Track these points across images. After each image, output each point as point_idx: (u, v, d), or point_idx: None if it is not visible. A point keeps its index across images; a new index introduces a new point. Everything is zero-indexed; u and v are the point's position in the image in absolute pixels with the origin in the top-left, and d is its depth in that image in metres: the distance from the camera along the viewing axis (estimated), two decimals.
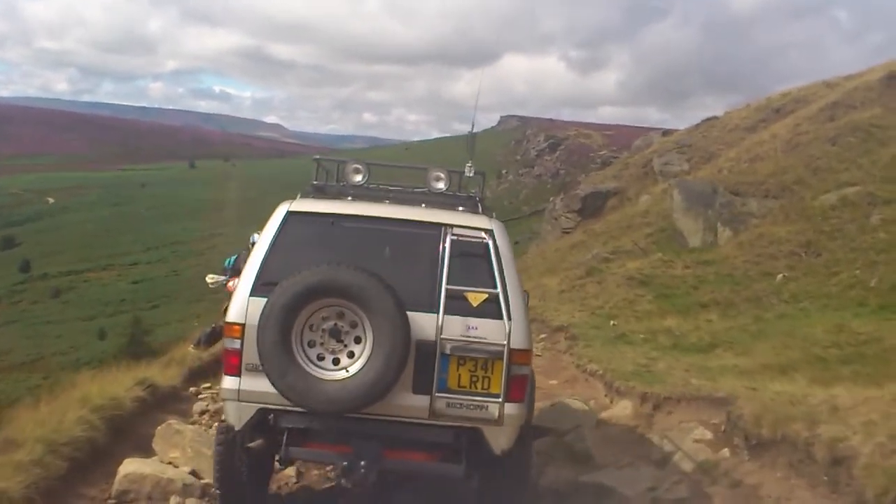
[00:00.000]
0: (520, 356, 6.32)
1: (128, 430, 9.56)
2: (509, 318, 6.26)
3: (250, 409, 6.37)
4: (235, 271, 13.64)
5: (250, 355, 6.22)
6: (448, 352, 6.25)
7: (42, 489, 7.09)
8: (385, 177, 8.77)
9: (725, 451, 8.66)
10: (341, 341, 6.19)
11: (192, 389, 12.61)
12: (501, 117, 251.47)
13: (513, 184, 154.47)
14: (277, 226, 6.65)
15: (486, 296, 6.35)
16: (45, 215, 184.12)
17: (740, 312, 18.82)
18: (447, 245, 6.52)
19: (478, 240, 6.60)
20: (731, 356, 14.67)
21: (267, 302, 6.10)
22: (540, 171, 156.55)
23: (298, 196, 7.23)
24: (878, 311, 16.54)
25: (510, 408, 6.29)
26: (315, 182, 8.00)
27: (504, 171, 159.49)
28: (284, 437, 6.47)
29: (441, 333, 6.21)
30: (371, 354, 6.07)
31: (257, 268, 6.47)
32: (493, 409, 6.24)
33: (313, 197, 7.47)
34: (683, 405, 10.49)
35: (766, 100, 47.24)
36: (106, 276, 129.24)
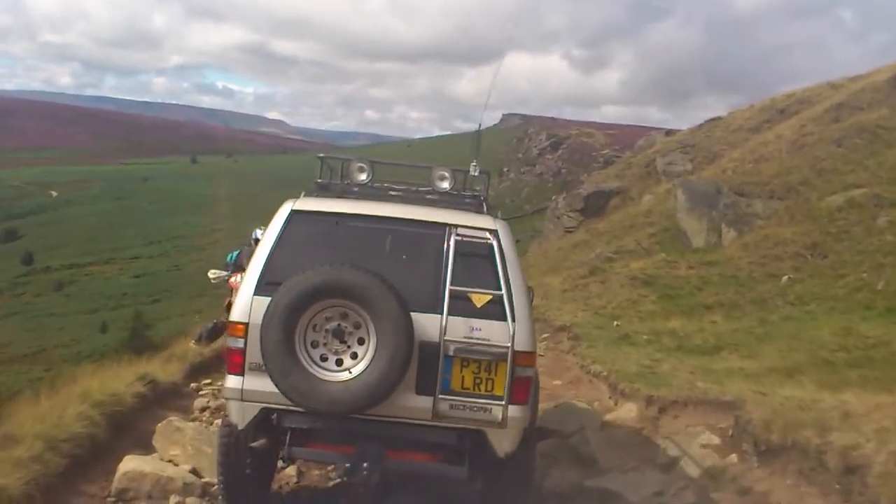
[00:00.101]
0: (524, 358, 6.27)
1: (128, 426, 9.49)
2: (513, 320, 6.20)
3: (253, 409, 6.33)
4: (238, 267, 13.57)
5: (254, 354, 6.17)
6: (452, 353, 6.19)
7: (41, 486, 7.02)
8: (389, 175, 8.72)
9: (733, 457, 8.58)
10: (344, 342, 6.15)
11: (192, 385, 12.54)
12: (503, 115, 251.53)
13: (514, 182, 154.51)
14: (281, 224, 6.61)
15: (491, 297, 6.30)
16: (48, 208, 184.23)
17: (745, 314, 18.68)
18: (451, 245, 6.46)
19: (482, 240, 6.55)
20: (737, 359, 14.54)
21: (271, 301, 6.06)
22: (542, 169, 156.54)
23: (302, 195, 7.18)
24: (886, 314, 16.39)
25: (513, 410, 6.24)
26: (319, 180, 7.94)
27: (506, 170, 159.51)
28: (287, 437, 6.42)
29: (445, 335, 6.18)
30: (374, 355, 6.03)
31: (261, 267, 6.43)
32: (497, 412, 6.20)
33: (317, 195, 7.40)
34: (690, 409, 10.39)
35: (770, 100, 47.13)
36: (108, 269, 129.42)
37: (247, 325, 6.25)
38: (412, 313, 6.07)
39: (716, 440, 9.13)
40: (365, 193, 7.62)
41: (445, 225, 6.63)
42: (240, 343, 6.28)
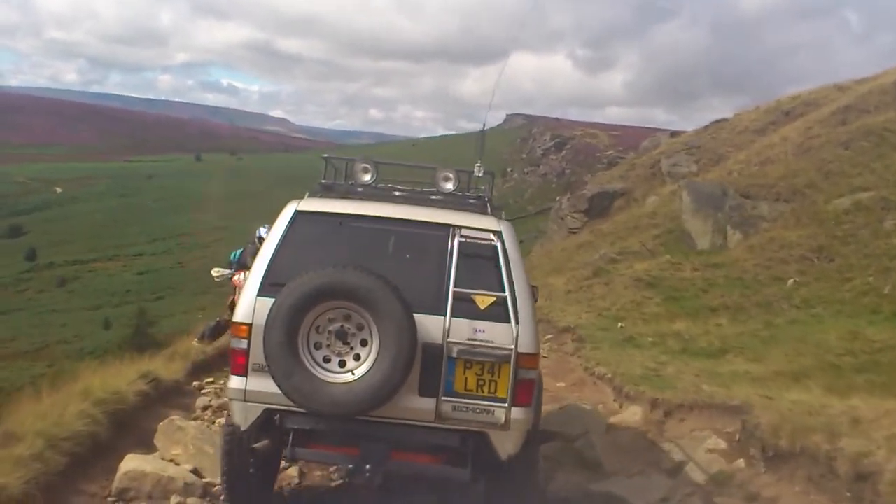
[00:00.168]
0: (527, 360, 6.25)
1: (130, 424, 9.44)
2: (517, 322, 6.16)
3: (256, 410, 6.32)
4: (241, 265, 13.56)
5: (257, 355, 6.16)
6: (455, 355, 6.17)
7: (42, 485, 6.97)
8: (393, 176, 8.73)
9: (740, 462, 8.50)
10: (347, 343, 6.13)
11: (195, 384, 12.50)
12: (507, 115, 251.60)
13: (518, 182, 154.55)
14: (285, 225, 6.60)
15: (494, 298, 6.28)
16: (52, 205, 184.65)
17: (751, 317, 18.61)
18: (455, 246, 6.44)
19: (486, 241, 6.53)
20: (743, 362, 14.47)
21: (274, 303, 6.04)
22: (545, 170, 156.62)
23: (307, 195, 7.17)
24: (893, 318, 16.32)
25: (517, 412, 6.22)
26: (323, 181, 7.93)
27: (509, 170, 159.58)
28: (290, 438, 6.41)
29: (448, 336, 6.15)
30: (377, 357, 6.01)
31: (265, 268, 6.42)
32: (500, 414, 6.16)
33: (321, 196, 7.39)
34: (696, 412, 10.33)
35: (775, 102, 47.11)
36: (112, 266, 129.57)
37: (250, 325, 6.23)
38: (415, 315, 6.05)
39: (722, 445, 9.06)
40: (369, 194, 7.61)
41: (449, 226, 6.60)
42: (243, 344, 6.27)
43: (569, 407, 11.94)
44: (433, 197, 7.72)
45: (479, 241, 6.52)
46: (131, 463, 7.97)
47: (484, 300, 6.26)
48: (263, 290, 6.28)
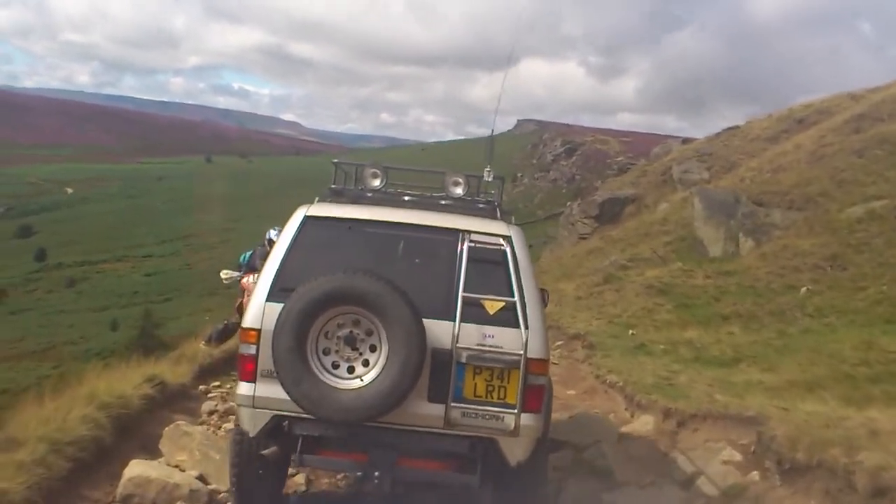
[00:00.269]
0: (537, 366, 6.23)
1: (135, 428, 9.37)
2: (526, 327, 6.15)
3: (265, 416, 6.32)
4: (250, 267, 13.48)
5: (266, 361, 6.15)
6: (464, 360, 6.17)
7: (44, 490, 6.90)
8: (403, 181, 8.73)
9: (755, 475, 8.34)
10: (356, 349, 6.15)
11: (201, 388, 12.38)
12: (518, 121, 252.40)
13: (528, 187, 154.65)
14: (295, 230, 6.61)
15: (503, 303, 6.26)
16: (62, 205, 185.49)
17: (763, 326, 18.48)
18: (464, 251, 6.41)
19: (495, 246, 6.53)
20: (756, 371, 14.33)
21: (283, 308, 6.02)
22: (556, 175, 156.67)
23: (316, 200, 7.18)
24: None
25: (526, 418, 6.19)
26: (333, 186, 7.93)
27: (520, 175, 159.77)
28: (299, 445, 6.39)
29: (457, 342, 6.14)
30: (386, 363, 6.01)
31: (274, 273, 6.42)
32: (509, 420, 6.14)
33: (331, 201, 7.38)
34: (710, 423, 10.18)
35: (788, 110, 47.12)
36: (120, 267, 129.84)
37: (259, 331, 6.23)
38: (424, 320, 6.03)
39: (737, 456, 8.91)
40: (378, 199, 7.62)
41: (458, 231, 6.61)
42: (252, 350, 6.27)
43: (579, 415, 11.89)
44: (442, 202, 7.68)
45: (489, 246, 6.51)
46: (136, 468, 7.89)
47: (493, 305, 6.25)
48: (273, 296, 6.27)
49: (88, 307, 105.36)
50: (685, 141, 61.94)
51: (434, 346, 6.09)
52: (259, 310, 6.27)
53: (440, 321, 6.17)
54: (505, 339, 6.16)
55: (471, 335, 6.15)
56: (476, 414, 6.15)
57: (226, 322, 14.74)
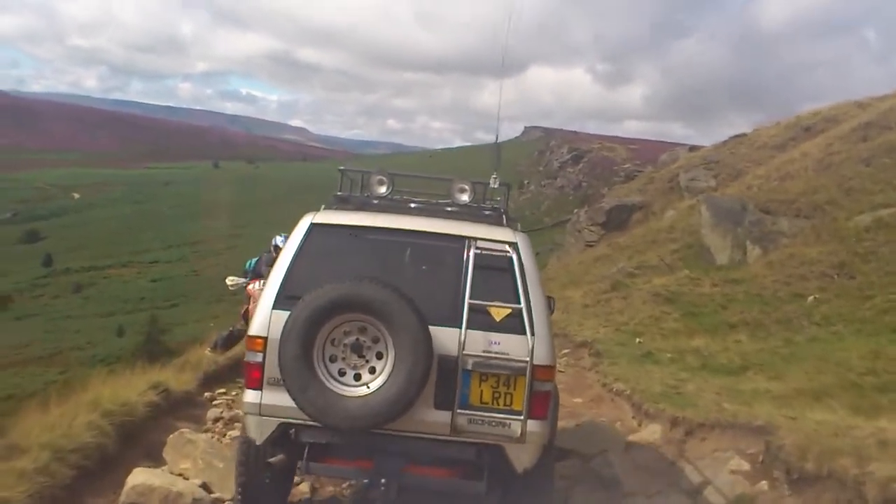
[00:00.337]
0: (543, 372, 6.23)
1: (139, 436, 9.33)
2: (532, 334, 6.17)
3: (271, 424, 6.33)
4: (256, 274, 13.44)
5: (272, 369, 6.15)
6: (470, 367, 6.16)
7: (46, 498, 6.88)
8: (409, 188, 8.74)
9: (764, 485, 8.28)
10: (363, 356, 6.14)
11: (206, 395, 12.34)
12: (525, 128, 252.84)
13: (535, 195, 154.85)
14: (301, 238, 6.60)
15: (510, 310, 6.27)
16: (70, 211, 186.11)
17: (770, 334, 18.39)
18: (471, 258, 6.42)
19: (501, 253, 6.53)
20: (764, 380, 14.27)
21: (289, 316, 6.02)
22: (562, 182, 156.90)
23: (322, 208, 7.18)
24: None
25: (532, 425, 6.19)
26: (339, 193, 7.92)
27: (526, 182, 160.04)
28: (305, 452, 6.39)
29: (463, 349, 6.13)
30: (393, 370, 6.01)
31: (280, 280, 6.41)
32: (516, 427, 6.15)
33: (337, 208, 7.40)
34: (717, 432, 10.11)
35: (795, 118, 47.11)
36: (127, 273, 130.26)
37: (265, 339, 6.23)
38: (431, 327, 6.03)
39: (745, 466, 8.85)
40: (384, 206, 7.61)
41: (465, 238, 6.60)
42: (258, 357, 6.26)
43: (586, 424, 11.82)
44: (449, 209, 7.70)
45: (495, 253, 6.50)
46: (139, 477, 7.82)
47: (499, 312, 6.25)
48: (279, 304, 6.27)
49: (95, 313, 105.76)
50: (692, 148, 61.97)
51: (440, 353, 6.07)
52: (265, 318, 6.26)
53: (446, 328, 6.16)
54: (511, 346, 6.15)
55: (477, 342, 6.14)
56: (482, 421, 6.15)
57: (231, 329, 14.70)
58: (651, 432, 11.13)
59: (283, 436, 6.34)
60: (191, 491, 7.85)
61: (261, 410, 6.26)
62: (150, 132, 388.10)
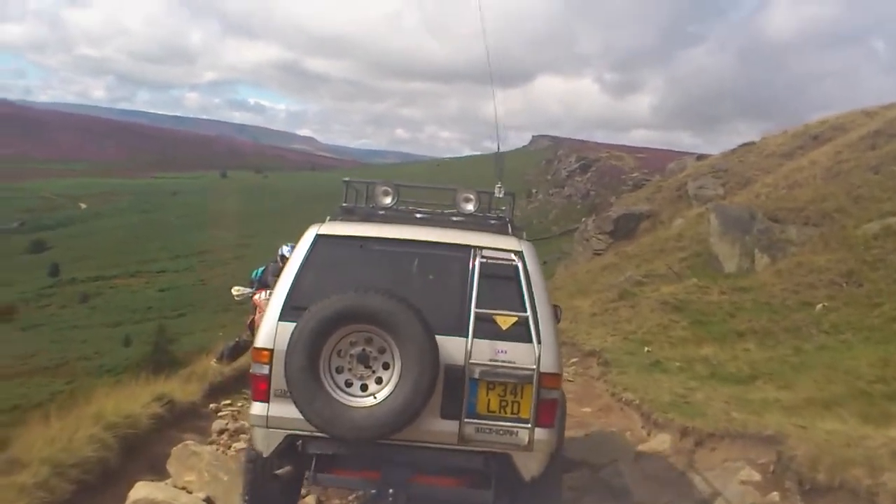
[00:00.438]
0: (550, 380, 6.22)
1: (142, 448, 9.25)
2: (539, 342, 6.12)
3: (279, 436, 6.32)
4: (262, 284, 13.38)
5: (279, 381, 6.14)
6: (477, 376, 6.15)
7: None
8: (414, 198, 8.71)
9: (775, 495, 8.23)
10: (369, 367, 6.13)
11: (212, 406, 12.26)
12: (533, 137, 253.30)
13: (542, 203, 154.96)
14: (307, 249, 6.61)
15: (516, 319, 6.26)
16: (76, 220, 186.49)
17: (779, 342, 18.34)
18: (476, 267, 6.40)
19: (507, 262, 6.53)
20: (773, 389, 14.23)
21: (295, 327, 6.01)
22: (570, 191, 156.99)
23: (328, 219, 7.20)
24: None
25: (540, 433, 6.18)
26: (344, 204, 7.90)
27: (534, 191, 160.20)
28: (313, 463, 6.39)
29: (470, 358, 6.11)
30: (399, 380, 6.00)
31: (286, 292, 6.41)
32: (523, 435, 6.13)
33: (342, 219, 7.39)
34: (727, 442, 10.05)
35: (803, 127, 47.09)
36: (134, 282, 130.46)
37: (272, 351, 6.23)
38: (437, 336, 6.03)
39: (756, 476, 8.79)
40: (390, 216, 7.61)
41: (470, 247, 6.60)
42: (265, 370, 6.26)
43: (595, 434, 11.79)
44: (454, 218, 7.69)
45: (501, 262, 6.50)
46: (141, 490, 7.77)
47: (505, 320, 6.23)
48: (285, 315, 6.27)
49: (102, 322, 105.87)
50: (700, 157, 61.96)
51: (447, 363, 6.07)
52: (271, 329, 6.26)
53: (453, 337, 6.16)
54: (518, 355, 6.15)
55: (483, 351, 6.13)
56: (490, 429, 6.14)
57: (237, 339, 14.65)
58: (660, 442, 11.08)
59: (290, 447, 6.32)
60: None
61: (268, 423, 6.25)
62: (157, 142, 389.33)
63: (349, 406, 5.96)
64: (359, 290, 6.04)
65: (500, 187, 8.00)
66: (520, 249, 6.60)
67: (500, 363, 6.14)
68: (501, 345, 6.18)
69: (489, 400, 6.15)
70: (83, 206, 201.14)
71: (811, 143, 41.66)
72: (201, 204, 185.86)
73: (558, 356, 6.36)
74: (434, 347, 5.93)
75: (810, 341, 18.05)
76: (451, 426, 6.15)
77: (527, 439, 6.09)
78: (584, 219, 66.25)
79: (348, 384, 6.06)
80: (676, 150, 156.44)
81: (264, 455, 6.40)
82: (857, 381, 13.86)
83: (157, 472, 8.73)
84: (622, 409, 13.67)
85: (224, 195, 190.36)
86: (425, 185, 9.33)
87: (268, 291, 12.25)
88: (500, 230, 7.39)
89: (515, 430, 6.11)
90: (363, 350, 6.08)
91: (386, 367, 6.07)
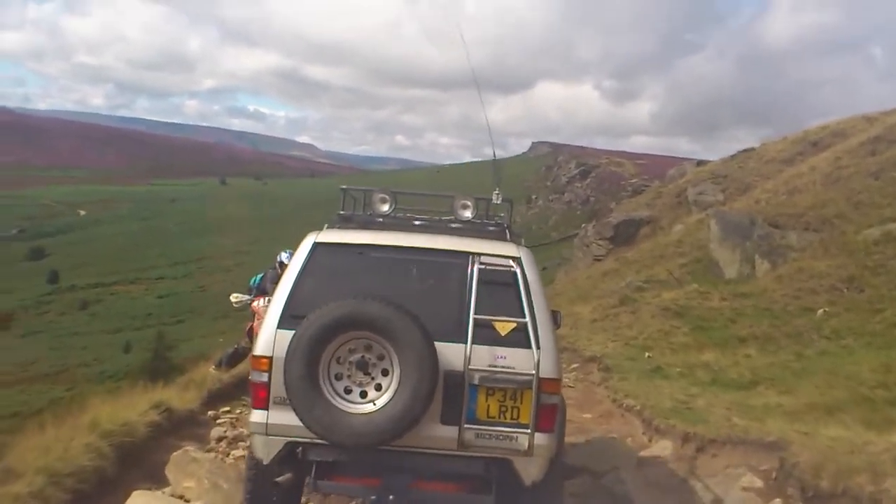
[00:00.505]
0: (549, 385, 6.22)
1: (139, 457, 9.17)
2: (538, 347, 6.13)
3: (278, 444, 6.33)
4: (261, 290, 13.34)
5: (278, 388, 6.15)
6: (476, 382, 6.16)
7: None
8: (412, 205, 8.74)
9: (777, 502, 8.18)
10: (368, 374, 6.13)
11: (210, 413, 12.18)
12: (533, 143, 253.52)
13: (542, 209, 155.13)
14: (305, 257, 6.61)
15: (515, 324, 6.26)
16: (76, 227, 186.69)
17: (780, 348, 18.29)
18: (475, 273, 6.41)
19: (505, 268, 6.54)
20: (774, 394, 14.17)
21: (294, 335, 6.01)
22: (570, 197, 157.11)
23: (325, 227, 7.22)
24: None
25: (540, 438, 6.19)
26: (342, 212, 7.89)
27: (534, 197, 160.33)
28: (313, 470, 6.40)
29: (469, 364, 6.13)
30: (399, 387, 6.00)
31: (285, 300, 6.41)
32: (523, 440, 6.13)
33: (340, 227, 7.39)
34: (729, 448, 10.03)
35: (803, 133, 47.17)
36: (133, 289, 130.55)
37: (271, 358, 6.24)
38: (436, 343, 6.03)
39: (758, 483, 8.75)
40: (387, 224, 7.63)
41: (468, 253, 6.61)
42: (264, 377, 6.27)
43: (596, 440, 11.77)
44: (452, 225, 7.68)
45: (499, 268, 6.51)
46: (138, 500, 7.73)
47: (504, 326, 6.24)
48: (283, 323, 6.28)
49: (101, 329, 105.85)
50: (700, 163, 61.99)
51: (446, 369, 6.07)
52: (270, 337, 6.26)
53: (452, 344, 6.15)
54: (517, 360, 6.15)
55: (482, 357, 6.14)
56: (490, 435, 6.14)
57: (236, 346, 14.62)
58: (662, 448, 11.06)
59: (290, 455, 6.33)
60: None
61: (267, 430, 6.25)
62: (156, 149, 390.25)
63: (349, 413, 5.95)
64: (357, 297, 6.04)
65: (497, 194, 7.97)
66: (518, 255, 6.61)
67: (499, 369, 6.13)
68: (500, 350, 6.18)
69: (489, 405, 6.15)
70: (82, 213, 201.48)
71: (811, 149, 41.76)
72: (200, 211, 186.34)
73: (557, 361, 6.36)
74: (433, 354, 5.92)
75: (812, 347, 17.99)
76: (450, 432, 6.14)
77: (527, 444, 6.08)
78: (584, 225, 66.24)
79: (348, 391, 6.05)
80: (676, 156, 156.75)
81: (264, 462, 6.38)
82: (858, 386, 13.79)
83: (156, 480, 8.67)
84: (623, 415, 13.61)
85: (223, 202, 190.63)
86: (423, 192, 9.33)
87: (266, 298, 12.22)
88: (499, 236, 7.38)
89: (515, 435, 6.11)
90: (362, 357, 6.07)
91: (385, 373, 6.07)
